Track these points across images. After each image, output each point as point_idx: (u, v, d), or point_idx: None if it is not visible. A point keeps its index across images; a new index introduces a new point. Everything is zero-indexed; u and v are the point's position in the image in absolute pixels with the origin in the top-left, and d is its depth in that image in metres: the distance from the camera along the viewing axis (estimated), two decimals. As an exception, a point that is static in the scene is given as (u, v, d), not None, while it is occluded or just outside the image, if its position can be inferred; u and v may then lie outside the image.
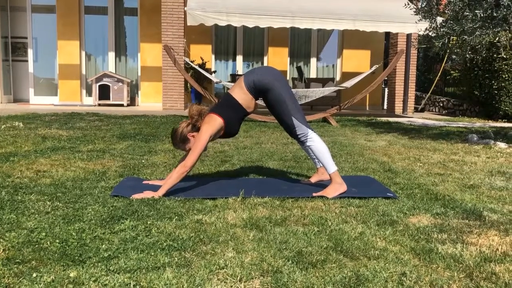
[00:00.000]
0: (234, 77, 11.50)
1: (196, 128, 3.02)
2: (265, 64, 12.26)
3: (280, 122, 3.08)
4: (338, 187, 2.98)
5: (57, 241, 2.04)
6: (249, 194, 2.88)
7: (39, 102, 11.07)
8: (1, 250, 1.93)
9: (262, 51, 12.37)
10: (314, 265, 1.87)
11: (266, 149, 4.80)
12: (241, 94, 3.02)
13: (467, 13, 5.27)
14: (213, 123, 2.95)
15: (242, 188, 2.96)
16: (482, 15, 5.15)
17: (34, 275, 1.72)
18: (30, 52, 11.20)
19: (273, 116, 3.13)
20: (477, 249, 2.09)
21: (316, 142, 3.04)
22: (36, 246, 1.99)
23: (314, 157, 3.22)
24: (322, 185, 3.16)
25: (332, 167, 3.03)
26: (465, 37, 5.37)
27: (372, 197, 2.91)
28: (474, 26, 5.23)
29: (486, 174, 3.83)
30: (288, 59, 12.41)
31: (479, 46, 5.53)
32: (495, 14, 5.15)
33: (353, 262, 1.92)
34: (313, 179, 3.34)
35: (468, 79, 10.50)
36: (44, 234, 2.12)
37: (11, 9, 11.24)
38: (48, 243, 2.01)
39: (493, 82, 9.69)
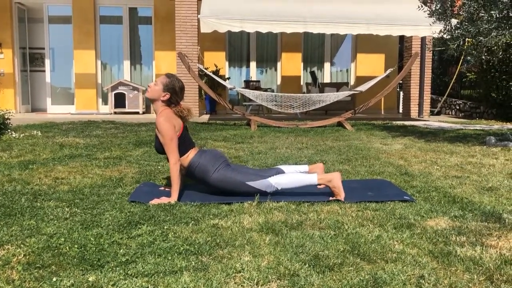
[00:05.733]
0: (247, 84, 11.52)
1: (164, 103, 3.09)
2: (279, 69, 12.28)
3: (248, 195, 2.96)
4: (334, 182, 2.94)
5: (76, 246, 2.07)
6: (265, 199, 2.89)
7: (56, 111, 11.24)
8: (22, 255, 1.97)
9: (275, 57, 12.39)
10: (331, 269, 1.87)
11: (281, 154, 4.80)
12: (190, 155, 3.09)
13: (482, 14, 5.22)
14: (163, 112, 3.06)
15: (257, 193, 2.97)
16: (497, 16, 5.09)
17: (54, 279, 1.74)
18: (47, 62, 11.39)
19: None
20: (497, 251, 2.06)
21: (282, 183, 2.99)
22: (56, 251, 2.02)
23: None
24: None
25: (313, 180, 2.99)
26: (481, 38, 5.31)
27: (389, 201, 2.89)
28: (490, 27, 5.17)
29: (505, 176, 3.77)
30: (302, 64, 12.40)
31: (495, 47, 5.47)
32: (511, 15, 5.09)
33: (370, 265, 1.91)
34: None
35: (484, 81, 10.36)
36: (63, 239, 2.15)
37: (29, 20, 11.47)
38: (67, 248, 2.04)
39: (510, 83, 9.54)
